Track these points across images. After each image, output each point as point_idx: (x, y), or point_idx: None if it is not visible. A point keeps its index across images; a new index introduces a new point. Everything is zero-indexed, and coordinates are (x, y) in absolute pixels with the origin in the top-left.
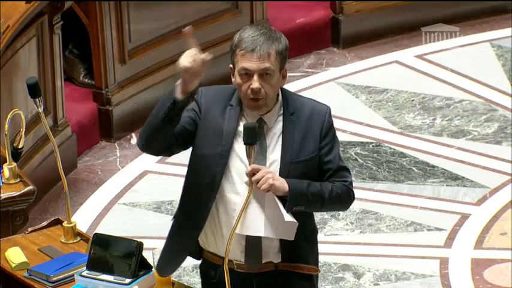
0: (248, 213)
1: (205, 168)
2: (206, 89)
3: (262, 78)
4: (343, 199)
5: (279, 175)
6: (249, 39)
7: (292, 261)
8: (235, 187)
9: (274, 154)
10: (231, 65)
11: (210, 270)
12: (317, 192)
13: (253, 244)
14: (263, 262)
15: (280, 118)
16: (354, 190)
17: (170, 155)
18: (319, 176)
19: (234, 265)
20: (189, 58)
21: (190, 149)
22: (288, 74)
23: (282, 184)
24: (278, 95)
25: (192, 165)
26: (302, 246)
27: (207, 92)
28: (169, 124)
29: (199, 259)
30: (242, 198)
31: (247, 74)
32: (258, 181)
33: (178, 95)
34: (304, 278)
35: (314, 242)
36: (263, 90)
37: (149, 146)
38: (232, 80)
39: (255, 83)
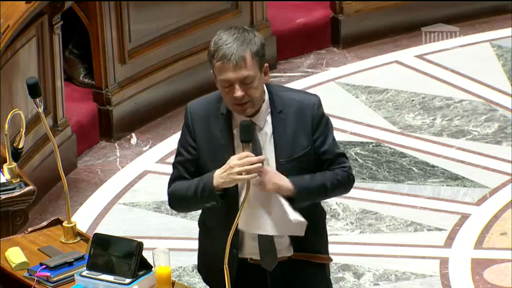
0: (255, 212)
1: None
2: (192, 105)
3: (243, 85)
4: (344, 184)
5: None
6: (224, 47)
7: (304, 251)
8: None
9: (268, 155)
10: (211, 71)
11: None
12: (319, 184)
13: (266, 244)
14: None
15: (269, 117)
16: (354, 190)
17: None
18: (317, 166)
19: (249, 259)
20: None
21: None
22: (288, 74)
23: (287, 184)
24: (264, 93)
25: None
26: (311, 236)
27: (193, 108)
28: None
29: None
30: (252, 198)
31: (229, 85)
32: (262, 182)
33: (216, 189)
34: (316, 266)
35: (323, 229)
36: (247, 95)
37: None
38: (217, 85)
39: (238, 92)
